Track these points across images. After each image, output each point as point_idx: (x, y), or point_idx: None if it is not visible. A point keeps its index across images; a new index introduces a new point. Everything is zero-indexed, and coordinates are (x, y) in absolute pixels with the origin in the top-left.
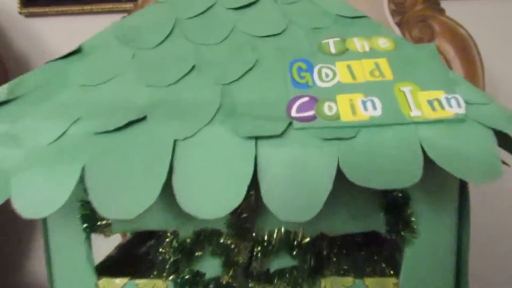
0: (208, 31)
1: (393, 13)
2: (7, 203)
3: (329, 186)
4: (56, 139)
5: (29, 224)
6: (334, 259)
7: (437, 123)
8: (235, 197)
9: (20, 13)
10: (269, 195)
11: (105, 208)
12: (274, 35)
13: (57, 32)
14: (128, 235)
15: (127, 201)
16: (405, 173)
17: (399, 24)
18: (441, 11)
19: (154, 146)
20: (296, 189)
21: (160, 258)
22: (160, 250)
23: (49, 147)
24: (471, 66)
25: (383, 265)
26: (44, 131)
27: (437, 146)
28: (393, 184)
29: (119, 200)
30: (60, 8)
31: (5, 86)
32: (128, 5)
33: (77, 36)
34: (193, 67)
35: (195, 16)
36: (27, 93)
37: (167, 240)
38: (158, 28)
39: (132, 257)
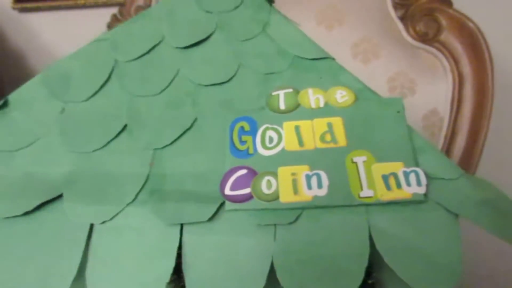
0: (148, 78)
1: (396, 6)
2: None
3: (262, 282)
4: None
5: None
6: None
7: (392, 205)
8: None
9: (13, 8)
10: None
11: None
12: (220, 83)
13: (51, 27)
14: None
15: None
16: (346, 276)
17: (402, 18)
18: (449, 4)
19: (67, 232)
20: (224, 286)
21: None
22: None
23: None
24: (480, 64)
25: None
26: None
27: (388, 238)
28: (330, 285)
29: None
30: (53, 3)
31: None
32: None
33: (70, 30)
34: (125, 126)
35: (137, 58)
36: None
37: None
38: (94, 75)
39: None
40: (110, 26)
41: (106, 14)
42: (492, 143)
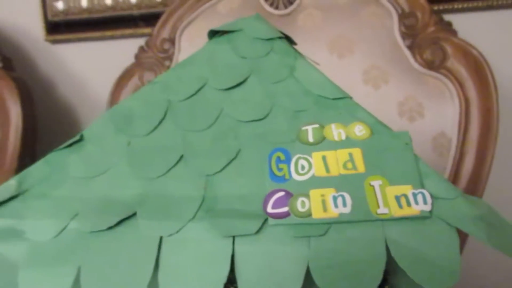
0: (197, 116)
1: (404, 35)
2: None
3: (300, 283)
4: (57, 235)
5: None
6: None
7: (403, 220)
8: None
9: (45, 40)
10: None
11: None
12: (257, 120)
13: (80, 57)
14: None
15: None
16: (368, 277)
17: (410, 47)
18: (454, 33)
19: (142, 243)
20: (270, 284)
21: None
22: None
23: (50, 243)
24: (484, 87)
25: None
26: (46, 228)
27: (401, 247)
28: (356, 283)
29: None
30: (82, 35)
31: (14, 181)
32: (147, 30)
33: (99, 60)
34: (181, 157)
35: (187, 98)
36: (31, 187)
37: None
38: (151, 114)
39: None
40: (137, 57)
41: (132, 45)
42: (499, 162)
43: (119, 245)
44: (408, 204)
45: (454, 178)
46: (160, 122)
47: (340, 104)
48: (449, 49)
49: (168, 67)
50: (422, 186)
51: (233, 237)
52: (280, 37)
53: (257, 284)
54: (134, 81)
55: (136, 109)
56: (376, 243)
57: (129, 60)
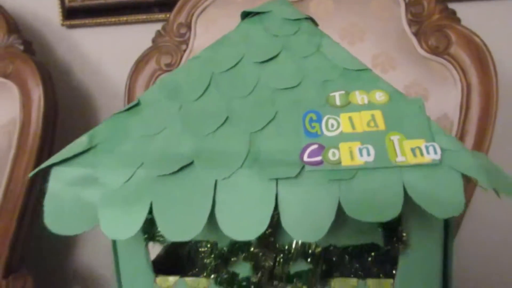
0: (237, 85)
1: (410, 23)
2: None
3: (332, 217)
4: (127, 181)
5: None
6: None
7: (417, 167)
8: (261, 225)
9: (62, 25)
10: (287, 223)
11: (168, 234)
12: (291, 87)
13: (95, 42)
14: None
15: (183, 228)
16: (388, 209)
17: (415, 34)
18: (457, 21)
19: (200, 185)
20: (307, 219)
21: (203, 261)
22: (202, 255)
23: (123, 187)
24: (485, 73)
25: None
26: (117, 175)
27: (416, 187)
28: (379, 219)
29: (177, 228)
30: (98, 20)
31: (85, 137)
32: (161, 16)
33: (114, 44)
34: (227, 118)
35: (227, 70)
36: (100, 143)
37: (206, 248)
38: (198, 83)
39: (176, 256)
40: (154, 41)
41: (145, 30)
42: (497, 143)
43: (182, 186)
44: (422, 154)
45: None
46: (206, 90)
47: (362, 75)
48: (452, 36)
49: (184, 51)
50: (433, 140)
51: (277, 180)
52: (306, 18)
53: (297, 218)
54: (151, 64)
55: (183, 79)
56: (395, 185)
57: (143, 45)
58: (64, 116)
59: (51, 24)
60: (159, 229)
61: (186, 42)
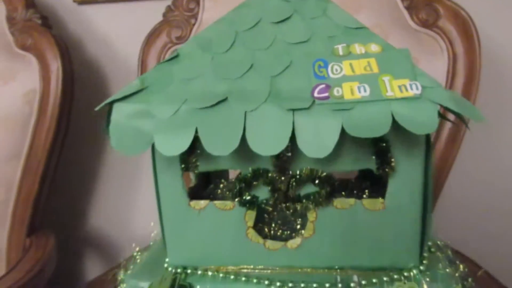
0: (258, 41)
1: None
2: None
3: (336, 138)
4: (174, 113)
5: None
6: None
7: (403, 99)
8: (281, 144)
9: (73, 1)
10: (302, 143)
11: (212, 150)
12: (302, 42)
13: (107, 18)
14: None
15: (222, 146)
16: (379, 129)
17: (407, 8)
18: None
19: (234, 115)
20: (317, 140)
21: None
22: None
23: (171, 118)
24: (471, 45)
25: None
26: (165, 109)
27: (401, 114)
28: (372, 134)
29: (218, 145)
30: None
31: (137, 80)
32: None
33: (124, 20)
34: (251, 65)
35: (249, 29)
36: (150, 85)
37: (235, 177)
38: (225, 39)
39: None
40: (165, 15)
41: (156, 6)
42: (479, 106)
43: (220, 116)
44: (406, 90)
45: (441, 120)
46: (232, 44)
47: (360, 32)
48: (441, 10)
49: (194, 24)
50: (416, 80)
51: (293, 110)
52: None
53: (309, 140)
54: (162, 37)
55: (213, 36)
56: (385, 112)
57: (153, 20)
58: (79, 86)
59: (63, 0)
60: (204, 147)
61: (195, 16)
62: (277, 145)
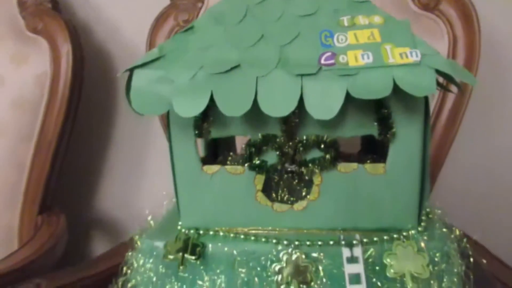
0: (268, 13)
1: None
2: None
3: (342, 100)
4: (191, 78)
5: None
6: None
7: (403, 66)
8: (291, 106)
9: None
10: (310, 106)
11: (226, 110)
12: (309, 15)
13: (114, 2)
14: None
15: (236, 107)
16: (382, 91)
17: None
18: None
19: (246, 80)
20: (324, 102)
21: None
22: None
23: (189, 82)
24: (470, 28)
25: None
26: (183, 74)
27: (402, 78)
28: (375, 96)
29: (232, 107)
30: None
31: (156, 49)
32: None
33: (131, 4)
34: (262, 36)
35: (259, 3)
36: (167, 53)
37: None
38: (237, 12)
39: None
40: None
41: None
42: (478, 87)
43: (233, 81)
44: (407, 57)
45: (442, 101)
46: (244, 17)
47: (364, 5)
48: None
49: (200, 8)
50: (416, 48)
51: (302, 76)
52: None
53: (316, 103)
54: (170, 21)
55: (225, 10)
56: (387, 77)
57: (158, 5)
58: (88, 69)
59: None
60: (220, 109)
61: (202, 0)
62: (287, 107)
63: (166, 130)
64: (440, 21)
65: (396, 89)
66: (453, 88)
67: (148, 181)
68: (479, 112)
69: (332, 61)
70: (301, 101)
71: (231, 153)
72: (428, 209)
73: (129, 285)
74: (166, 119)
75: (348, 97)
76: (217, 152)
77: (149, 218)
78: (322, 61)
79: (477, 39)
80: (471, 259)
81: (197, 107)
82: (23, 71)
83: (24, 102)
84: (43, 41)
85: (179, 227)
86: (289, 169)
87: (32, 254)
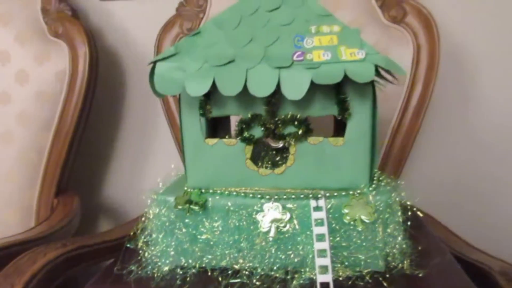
0: (257, 22)
1: None
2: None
3: (307, 85)
4: (199, 69)
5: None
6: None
7: (352, 61)
8: (271, 87)
9: None
10: (284, 89)
11: (224, 91)
12: (287, 24)
13: (125, 12)
14: None
15: (232, 88)
16: (335, 78)
17: (380, 6)
18: None
19: (239, 70)
20: (295, 87)
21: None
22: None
23: (196, 72)
24: (432, 37)
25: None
26: (193, 65)
27: (351, 70)
28: (331, 81)
29: (228, 88)
30: None
31: (172, 48)
32: None
33: (141, 14)
34: (252, 38)
35: (250, 14)
36: (181, 50)
37: (238, 121)
38: (233, 20)
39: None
40: (178, 10)
41: (165, 4)
42: (439, 89)
43: (230, 71)
44: (355, 55)
45: (408, 99)
46: (239, 24)
47: (328, 18)
48: (407, 8)
49: (202, 18)
50: (362, 49)
51: (279, 68)
52: None
53: (290, 87)
54: (175, 28)
55: (225, 18)
56: (340, 69)
57: (164, 14)
58: (102, 67)
59: None
60: (219, 90)
61: (204, 11)
62: (267, 90)
63: (170, 128)
64: (406, 32)
65: (350, 79)
66: (394, 81)
67: (153, 167)
68: (441, 107)
69: (301, 58)
70: (279, 88)
71: (227, 136)
72: (381, 177)
73: (147, 230)
74: (178, 102)
75: (314, 86)
76: (216, 132)
77: (160, 183)
78: (295, 58)
79: (437, 47)
80: (409, 213)
81: (203, 88)
82: (45, 69)
83: (46, 96)
84: (63, 43)
85: (185, 188)
86: (273, 146)
87: (47, 229)
